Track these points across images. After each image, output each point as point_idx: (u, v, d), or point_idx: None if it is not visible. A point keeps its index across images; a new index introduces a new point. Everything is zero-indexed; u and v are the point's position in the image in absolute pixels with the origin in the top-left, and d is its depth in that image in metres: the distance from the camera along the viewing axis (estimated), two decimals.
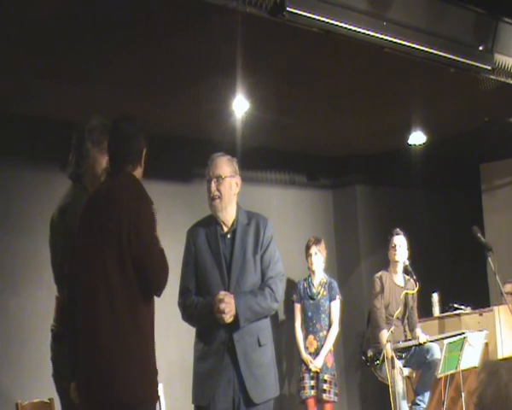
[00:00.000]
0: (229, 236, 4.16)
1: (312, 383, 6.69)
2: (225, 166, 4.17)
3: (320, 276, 6.92)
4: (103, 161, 3.75)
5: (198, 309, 4.11)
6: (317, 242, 6.96)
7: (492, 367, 2.45)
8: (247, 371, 4.03)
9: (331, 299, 6.85)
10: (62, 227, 3.70)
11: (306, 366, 6.69)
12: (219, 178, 4.13)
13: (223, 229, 4.17)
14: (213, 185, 4.12)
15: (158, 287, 3.44)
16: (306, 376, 6.69)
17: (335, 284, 6.94)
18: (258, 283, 4.14)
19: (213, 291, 4.08)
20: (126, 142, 3.50)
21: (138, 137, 3.52)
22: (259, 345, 4.09)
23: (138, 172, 3.53)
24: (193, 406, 4.19)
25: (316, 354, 6.72)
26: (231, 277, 4.09)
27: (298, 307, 6.90)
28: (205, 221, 4.24)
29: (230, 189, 4.16)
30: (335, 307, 6.87)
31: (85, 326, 3.36)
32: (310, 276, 6.94)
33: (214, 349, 4.05)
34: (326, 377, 6.69)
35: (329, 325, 6.81)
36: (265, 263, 4.16)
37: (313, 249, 6.91)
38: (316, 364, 6.67)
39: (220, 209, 4.13)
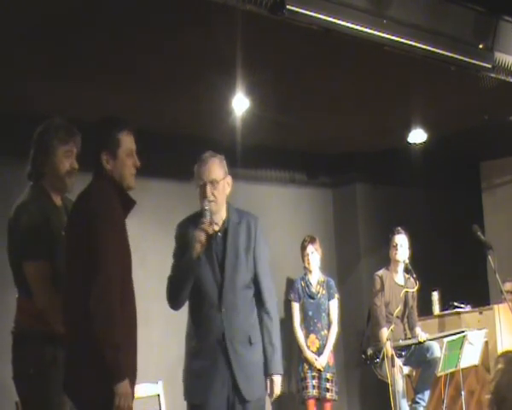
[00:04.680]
0: (220, 234, 4.13)
1: (314, 382, 6.67)
2: (218, 169, 4.14)
3: (317, 275, 6.92)
4: (67, 163, 3.71)
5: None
6: (313, 241, 6.94)
7: (508, 357, 2.46)
8: (239, 369, 4.04)
9: (330, 298, 6.85)
10: (16, 227, 3.67)
11: (309, 365, 6.68)
12: (214, 182, 4.10)
13: (214, 228, 4.14)
14: (209, 190, 4.09)
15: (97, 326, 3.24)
16: (308, 375, 6.68)
17: (333, 283, 6.94)
18: (250, 282, 4.13)
19: (205, 290, 4.07)
20: (93, 140, 3.47)
21: (94, 140, 3.46)
22: (250, 343, 4.10)
23: (114, 166, 3.43)
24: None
25: (318, 353, 6.71)
26: (224, 276, 4.08)
27: (296, 305, 6.87)
28: (195, 218, 4.18)
29: (224, 191, 4.15)
30: (334, 305, 6.87)
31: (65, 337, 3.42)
32: (306, 275, 6.92)
33: (208, 348, 4.06)
34: (329, 375, 6.69)
35: (329, 324, 6.81)
36: (257, 263, 4.15)
37: (309, 249, 6.90)
38: (320, 362, 6.66)
39: (214, 212, 4.10)
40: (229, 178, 4.18)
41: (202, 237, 3.99)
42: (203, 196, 4.11)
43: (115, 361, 3.21)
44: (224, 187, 4.14)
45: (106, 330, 3.20)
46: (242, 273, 4.11)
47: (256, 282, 4.16)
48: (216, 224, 4.12)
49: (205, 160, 4.17)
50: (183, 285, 4.09)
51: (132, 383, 3.37)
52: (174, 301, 4.14)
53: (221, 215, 4.15)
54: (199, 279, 4.10)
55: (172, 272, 4.13)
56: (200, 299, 4.11)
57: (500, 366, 2.47)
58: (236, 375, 4.03)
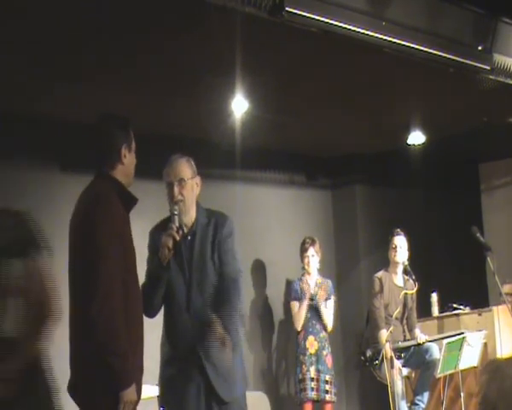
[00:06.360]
0: (189, 237, 4.08)
1: (313, 384, 6.64)
2: (186, 169, 4.10)
3: (315, 276, 6.90)
4: None
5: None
6: (314, 243, 6.90)
7: (493, 366, 2.45)
8: (214, 372, 3.98)
9: (327, 299, 6.84)
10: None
11: (307, 367, 6.66)
12: (182, 181, 4.06)
13: (184, 231, 4.09)
14: (176, 189, 4.05)
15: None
16: (307, 377, 6.66)
17: (331, 284, 6.92)
18: (217, 284, 4.06)
19: (175, 295, 4.03)
20: (99, 141, 3.46)
21: (113, 134, 3.44)
22: (225, 345, 4.01)
23: (120, 171, 3.45)
24: None
25: (317, 355, 6.69)
26: (192, 280, 4.03)
27: (296, 304, 6.79)
28: (165, 223, 4.10)
29: (192, 191, 4.09)
30: (330, 305, 6.85)
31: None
32: (304, 276, 6.89)
33: (180, 355, 4.02)
34: (328, 377, 6.67)
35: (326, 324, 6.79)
36: (222, 263, 4.07)
37: (310, 251, 6.86)
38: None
39: (183, 213, 4.06)
40: (197, 179, 4.14)
41: (169, 242, 3.93)
42: (171, 196, 4.07)
43: (121, 369, 3.20)
44: (192, 187, 4.09)
45: (110, 341, 3.19)
46: (211, 276, 4.05)
47: (220, 277, 4.06)
48: (185, 225, 4.08)
49: (171, 161, 4.14)
50: (154, 292, 4.03)
51: (139, 381, 3.37)
52: (146, 309, 3.96)
53: (190, 217, 4.10)
54: (169, 284, 4.05)
55: (144, 279, 4.05)
56: (170, 304, 4.08)
57: (485, 377, 2.44)
58: (212, 379, 3.97)
